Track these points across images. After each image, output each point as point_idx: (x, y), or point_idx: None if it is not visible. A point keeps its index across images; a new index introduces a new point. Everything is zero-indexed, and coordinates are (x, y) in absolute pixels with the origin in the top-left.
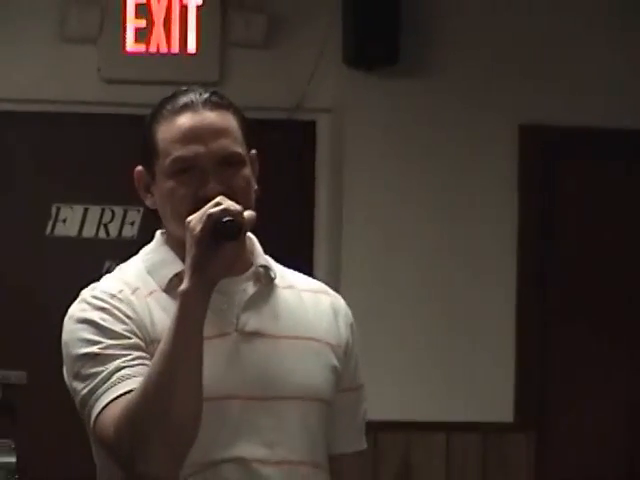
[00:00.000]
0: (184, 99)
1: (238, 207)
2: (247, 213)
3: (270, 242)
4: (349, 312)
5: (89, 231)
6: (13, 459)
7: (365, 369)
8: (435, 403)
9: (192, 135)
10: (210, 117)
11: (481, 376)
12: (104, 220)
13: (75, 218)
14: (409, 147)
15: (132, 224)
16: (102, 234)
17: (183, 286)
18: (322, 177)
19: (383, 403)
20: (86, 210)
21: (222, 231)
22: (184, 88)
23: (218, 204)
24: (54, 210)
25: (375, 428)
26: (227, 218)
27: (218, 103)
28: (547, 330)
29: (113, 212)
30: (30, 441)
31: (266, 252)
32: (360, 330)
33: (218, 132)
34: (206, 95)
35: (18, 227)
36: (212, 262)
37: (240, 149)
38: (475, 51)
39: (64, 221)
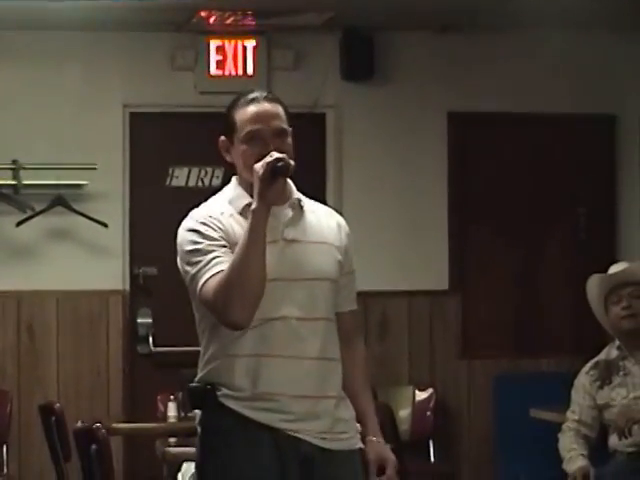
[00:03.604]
0: (252, 95)
1: (285, 156)
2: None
3: (302, 184)
4: (347, 226)
5: (192, 182)
6: (150, 319)
7: (358, 256)
8: (399, 278)
9: (257, 117)
10: (267, 106)
11: (430, 261)
12: (201, 175)
13: (183, 175)
14: (381, 127)
15: (217, 177)
16: (199, 184)
17: (253, 207)
18: (330, 146)
19: (368, 278)
20: (190, 170)
21: (277, 170)
22: (250, 89)
23: (272, 156)
24: (170, 170)
25: (364, 295)
26: (280, 163)
27: (271, 98)
28: (466, 226)
29: (206, 171)
30: (159, 309)
31: (299, 191)
32: (353, 233)
33: (273, 116)
34: (264, 93)
35: (152, 180)
36: (269, 192)
37: (286, 126)
38: (418, 68)
39: (177, 177)
